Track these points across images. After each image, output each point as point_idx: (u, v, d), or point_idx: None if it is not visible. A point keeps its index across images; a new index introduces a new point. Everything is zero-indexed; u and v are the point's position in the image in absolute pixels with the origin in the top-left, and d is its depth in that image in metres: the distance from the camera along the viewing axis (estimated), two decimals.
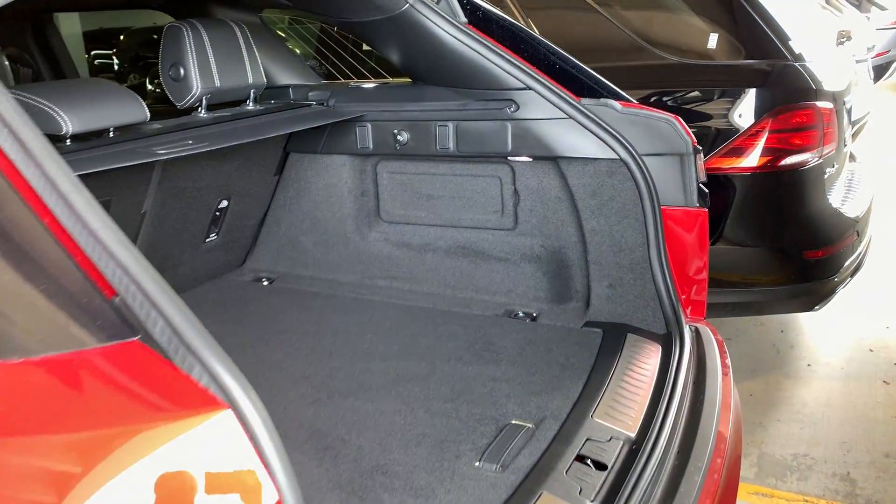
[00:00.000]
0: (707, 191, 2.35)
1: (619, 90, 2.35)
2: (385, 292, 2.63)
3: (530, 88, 2.30)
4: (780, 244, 3.67)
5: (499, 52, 2.29)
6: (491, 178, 2.53)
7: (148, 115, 2.09)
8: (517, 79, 2.29)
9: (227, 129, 2.22)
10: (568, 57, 2.37)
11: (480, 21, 2.39)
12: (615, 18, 3.98)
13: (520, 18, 4.19)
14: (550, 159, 2.39)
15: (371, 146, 2.61)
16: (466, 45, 2.28)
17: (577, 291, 2.45)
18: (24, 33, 3.32)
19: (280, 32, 5.11)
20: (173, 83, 2.36)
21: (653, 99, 3.78)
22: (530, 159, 2.44)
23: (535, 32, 4.25)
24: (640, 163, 2.24)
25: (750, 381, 3.98)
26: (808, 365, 4.15)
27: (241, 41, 2.50)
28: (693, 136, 2.30)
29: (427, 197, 2.64)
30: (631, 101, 2.33)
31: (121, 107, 2.02)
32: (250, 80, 2.52)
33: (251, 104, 2.58)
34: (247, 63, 2.51)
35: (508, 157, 2.46)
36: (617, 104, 2.30)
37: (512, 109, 2.36)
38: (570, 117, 2.28)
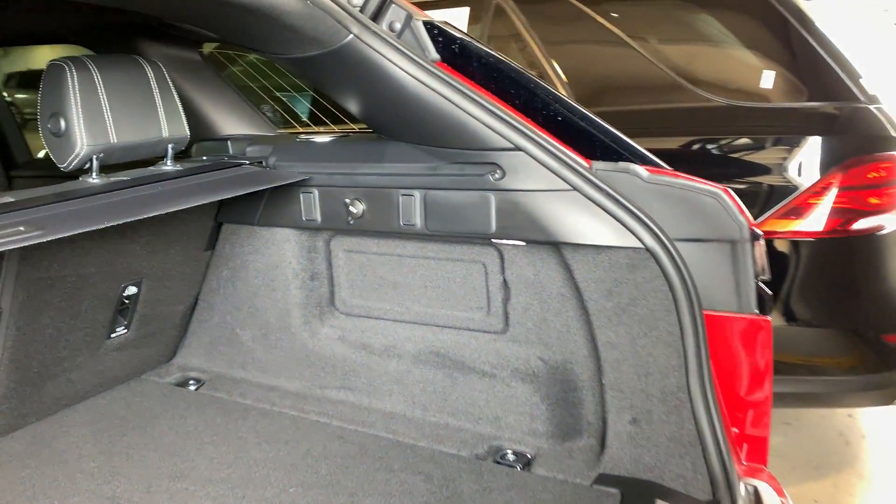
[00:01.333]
0: (770, 292, 1.64)
1: (645, 152, 1.67)
2: (334, 410, 1.96)
3: (519, 149, 1.63)
4: (853, 325, 2.98)
5: (478, 99, 1.63)
6: (473, 263, 1.86)
7: None
8: (502, 136, 1.63)
9: (107, 204, 1.60)
10: (575, 106, 1.70)
11: (456, 58, 1.74)
12: (651, 54, 3.32)
13: (540, 56, 3.55)
14: (549, 243, 1.72)
15: (318, 218, 1.96)
16: (434, 90, 1.62)
17: (590, 424, 1.75)
18: None
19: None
20: (53, 139, 1.75)
21: (695, 146, 3.12)
22: (523, 243, 1.77)
23: (558, 70, 3.62)
24: (674, 253, 1.56)
25: (814, 483, 3.22)
26: (885, 460, 3.38)
27: (154, 83, 1.89)
28: (750, 215, 1.61)
29: (393, 285, 1.98)
30: (662, 167, 1.65)
31: None
32: (165, 133, 1.90)
33: (169, 163, 1.96)
34: (160, 111, 1.89)
35: (493, 240, 1.80)
36: (642, 170, 1.62)
37: (496, 176, 1.69)
38: (575, 188, 1.61)
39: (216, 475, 1.68)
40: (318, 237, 2.04)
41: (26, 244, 1.32)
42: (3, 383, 1.79)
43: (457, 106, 1.62)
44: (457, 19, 3.86)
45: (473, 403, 1.86)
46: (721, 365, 1.67)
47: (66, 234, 1.39)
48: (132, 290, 2.01)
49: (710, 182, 1.60)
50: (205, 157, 2.12)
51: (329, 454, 1.76)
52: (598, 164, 1.66)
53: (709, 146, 3.12)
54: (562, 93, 3.49)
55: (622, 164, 1.64)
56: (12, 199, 1.56)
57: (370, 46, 1.60)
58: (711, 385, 1.60)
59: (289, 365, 2.09)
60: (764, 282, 1.65)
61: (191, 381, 2.16)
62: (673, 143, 3.21)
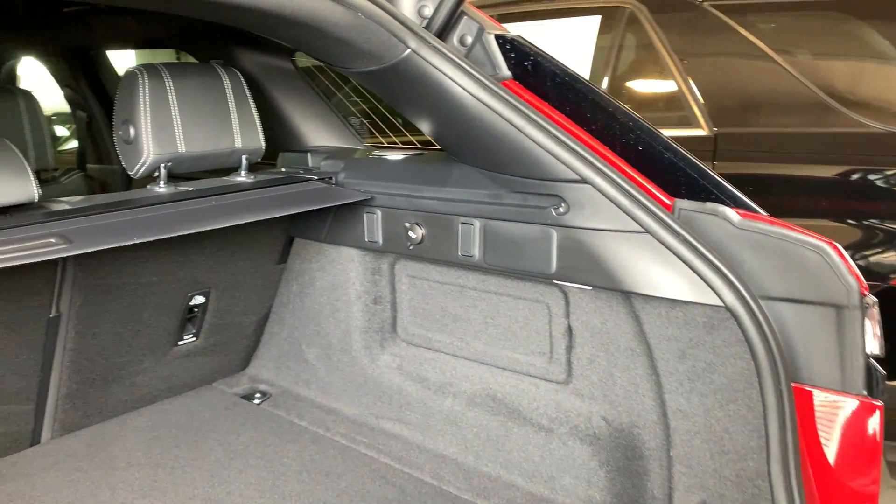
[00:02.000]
0: (884, 371, 1.35)
1: (738, 193, 1.42)
2: (385, 444, 1.84)
3: (586, 182, 1.43)
4: None
5: (543, 123, 1.45)
6: (536, 303, 1.68)
7: (34, 193, 1.48)
8: (567, 165, 1.44)
9: (153, 217, 1.57)
10: (659, 135, 1.48)
11: (529, 75, 1.57)
12: (800, 71, 2.96)
13: (674, 70, 3.27)
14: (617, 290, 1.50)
15: (380, 240, 1.85)
16: (496, 111, 1.46)
17: (654, 499, 1.52)
18: (75, 73, 2.95)
19: None
20: (124, 146, 1.75)
21: (846, 177, 2.77)
22: (589, 287, 1.56)
23: (692, 84, 3.31)
24: (759, 314, 1.31)
25: None
26: None
27: (230, 93, 1.86)
28: (861, 275, 1.32)
29: (453, 317, 1.83)
30: (757, 212, 1.39)
31: None
32: (238, 144, 1.86)
33: (243, 174, 1.92)
34: (234, 121, 1.85)
35: (554, 281, 1.60)
36: (733, 214, 1.38)
37: (559, 211, 1.50)
38: (648, 231, 1.39)
39: None
40: (383, 259, 1.93)
41: (47, 258, 1.30)
42: (65, 384, 1.82)
43: (520, 130, 1.45)
44: (586, 28, 3.65)
45: (527, 458, 1.68)
46: (815, 451, 1.39)
47: (93, 249, 1.37)
48: (199, 299, 2.00)
49: (814, 234, 1.33)
50: (283, 169, 2.07)
51: (366, 495, 1.64)
52: (682, 203, 1.43)
53: (863, 177, 2.76)
54: (695, 111, 3.20)
55: (710, 206, 1.41)
56: (68, 207, 1.56)
57: (429, 63, 1.47)
58: (798, 474, 1.33)
59: (348, 389, 2.00)
60: (877, 358, 1.36)
61: (257, 395, 2.12)
62: (820, 171, 2.86)
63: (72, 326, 1.76)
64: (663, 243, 1.38)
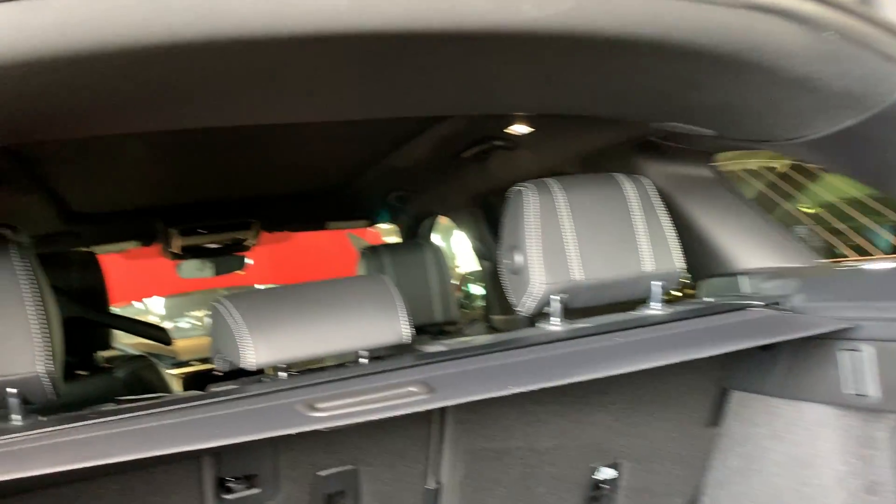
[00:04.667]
0: None
1: None
2: None
3: None
4: None
5: None
6: None
7: (402, 335, 1.21)
8: None
9: (539, 359, 1.18)
10: None
11: None
12: None
13: None
14: None
15: (876, 393, 1.19)
16: None
17: None
18: (477, 222, 2.84)
19: None
20: (512, 277, 1.45)
21: None
22: None
23: None
24: None
25: None
26: None
27: (636, 206, 1.45)
28: None
29: None
30: None
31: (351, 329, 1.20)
32: (647, 268, 1.43)
33: (653, 305, 1.46)
34: (641, 240, 1.44)
35: None
36: None
37: None
38: None
39: None
40: (879, 422, 1.25)
41: (402, 412, 0.97)
42: None
43: None
44: None
45: None
46: None
47: (459, 401, 1.01)
48: (609, 473, 1.52)
49: None
50: (706, 298, 1.57)
51: None
52: None
53: None
54: None
55: None
56: (442, 349, 1.27)
57: None
58: None
59: None
60: None
61: None
62: None
63: (453, 501, 1.41)
64: None
